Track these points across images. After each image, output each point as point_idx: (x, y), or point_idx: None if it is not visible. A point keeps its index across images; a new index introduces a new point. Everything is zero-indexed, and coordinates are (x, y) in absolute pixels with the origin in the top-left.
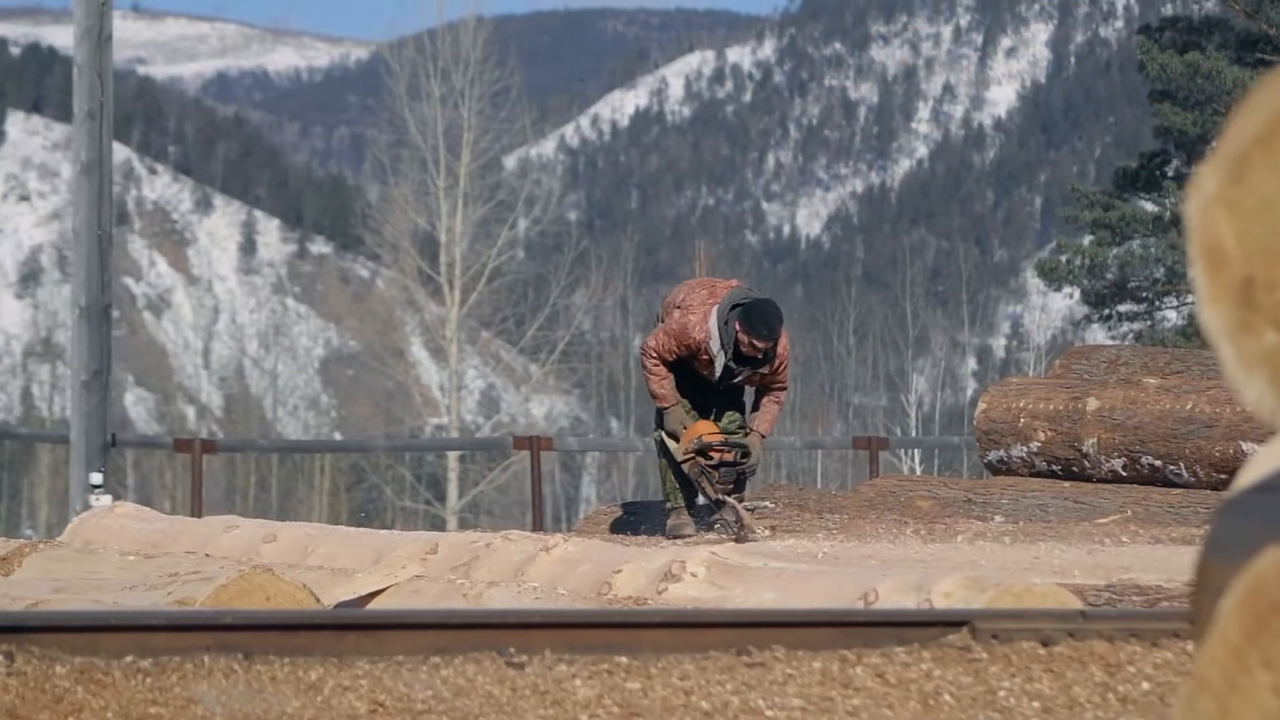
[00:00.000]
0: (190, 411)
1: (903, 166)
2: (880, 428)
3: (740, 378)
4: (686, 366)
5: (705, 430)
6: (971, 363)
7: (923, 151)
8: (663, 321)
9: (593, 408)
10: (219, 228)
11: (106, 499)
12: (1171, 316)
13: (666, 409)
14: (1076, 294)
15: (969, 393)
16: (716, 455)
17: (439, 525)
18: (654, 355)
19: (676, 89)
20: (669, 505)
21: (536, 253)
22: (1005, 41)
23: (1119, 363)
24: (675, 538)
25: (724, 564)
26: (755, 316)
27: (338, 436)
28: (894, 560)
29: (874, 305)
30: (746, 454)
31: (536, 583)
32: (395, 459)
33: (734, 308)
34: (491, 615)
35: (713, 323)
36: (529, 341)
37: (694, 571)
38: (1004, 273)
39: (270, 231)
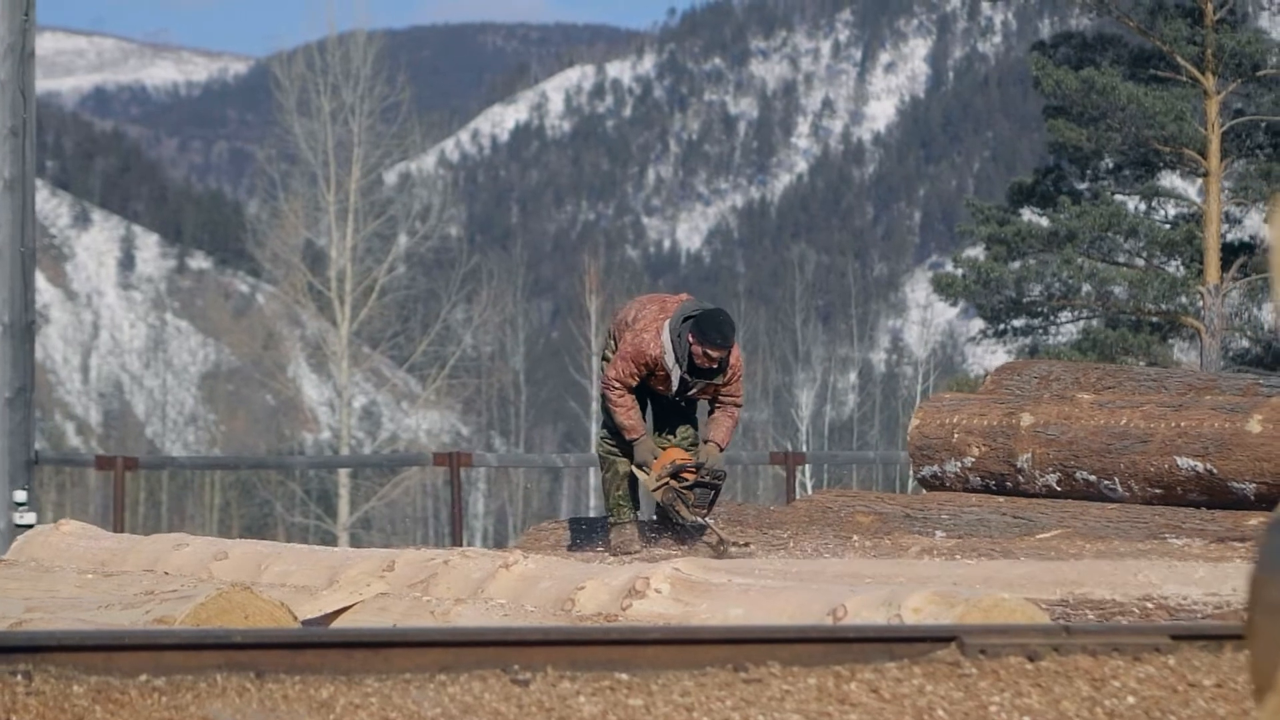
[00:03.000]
0: (70, 427)
1: (782, 181)
2: (770, 442)
3: (694, 390)
4: (642, 383)
5: (675, 456)
6: (852, 376)
7: (802, 166)
8: (614, 338)
9: (481, 423)
10: (97, 243)
11: (31, 516)
12: (1066, 331)
13: (635, 440)
14: (958, 309)
15: (849, 407)
16: (689, 477)
17: (330, 541)
18: (617, 386)
19: (556, 103)
20: (612, 520)
21: (419, 269)
22: (884, 56)
23: (1051, 378)
24: (622, 554)
25: (688, 580)
26: (708, 325)
27: (217, 452)
28: (848, 575)
29: (759, 320)
30: (720, 474)
31: (500, 599)
32: (286, 475)
33: (686, 320)
34: (494, 633)
35: (666, 337)
36: (419, 358)
37: (658, 588)
38: (884, 287)
39: (149, 246)
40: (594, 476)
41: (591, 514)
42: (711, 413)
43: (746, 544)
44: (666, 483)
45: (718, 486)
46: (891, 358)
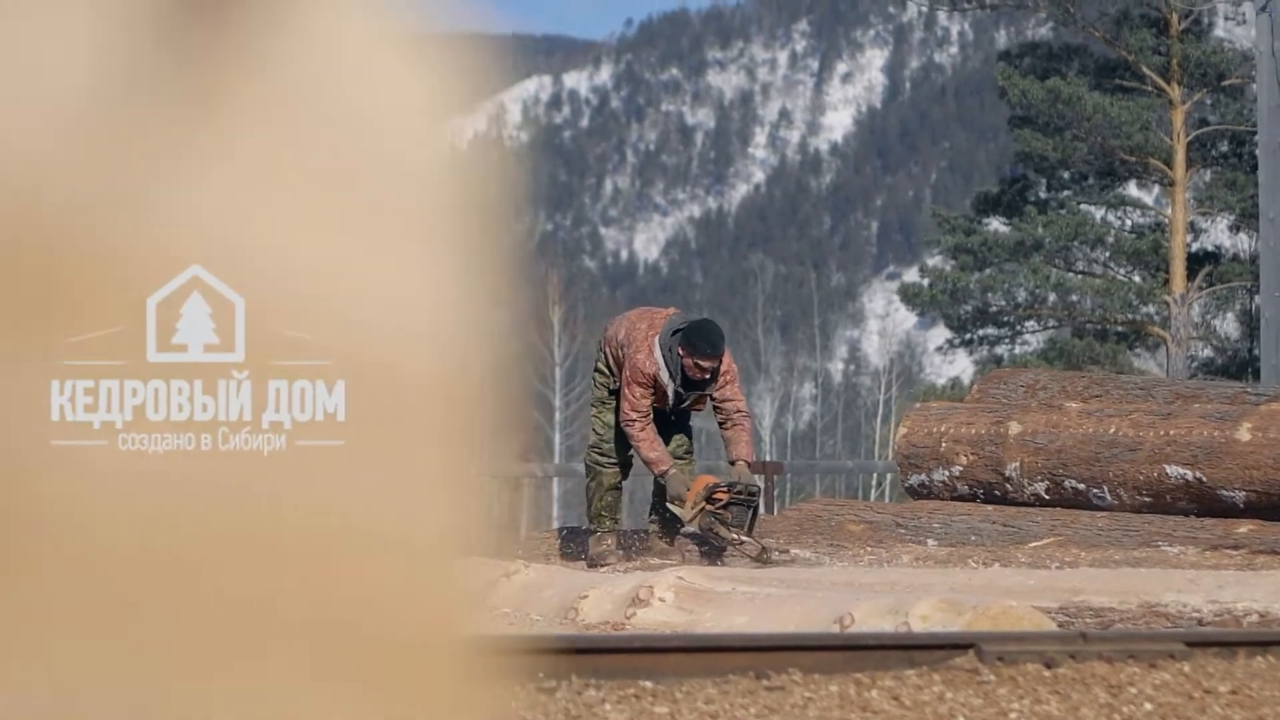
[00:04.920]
0: None
1: (740, 191)
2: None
3: (688, 402)
4: None
5: (706, 481)
6: (810, 387)
7: (760, 176)
8: (605, 353)
9: None
10: None
11: None
12: (1032, 341)
13: (665, 474)
14: (917, 319)
15: (806, 417)
16: (722, 497)
17: None
18: (634, 418)
19: (514, 114)
20: (593, 529)
21: None
22: (841, 67)
23: (1038, 387)
24: (598, 565)
25: (692, 589)
26: (697, 336)
27: None
28: (849, 583)
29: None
30: (755, 489)
31: (504, 608)
32: None
33: (675, 333)
34: (515, 640)
35: (658, 354)
36: None
37: (662, 596)
38: (841, 297)
39: None
40: (557, 487)
41: (555, 524)
42: (723, 428)
43: (786, 550)
44: (702, 508)
45: (755, 503)
46: (849, 368)
